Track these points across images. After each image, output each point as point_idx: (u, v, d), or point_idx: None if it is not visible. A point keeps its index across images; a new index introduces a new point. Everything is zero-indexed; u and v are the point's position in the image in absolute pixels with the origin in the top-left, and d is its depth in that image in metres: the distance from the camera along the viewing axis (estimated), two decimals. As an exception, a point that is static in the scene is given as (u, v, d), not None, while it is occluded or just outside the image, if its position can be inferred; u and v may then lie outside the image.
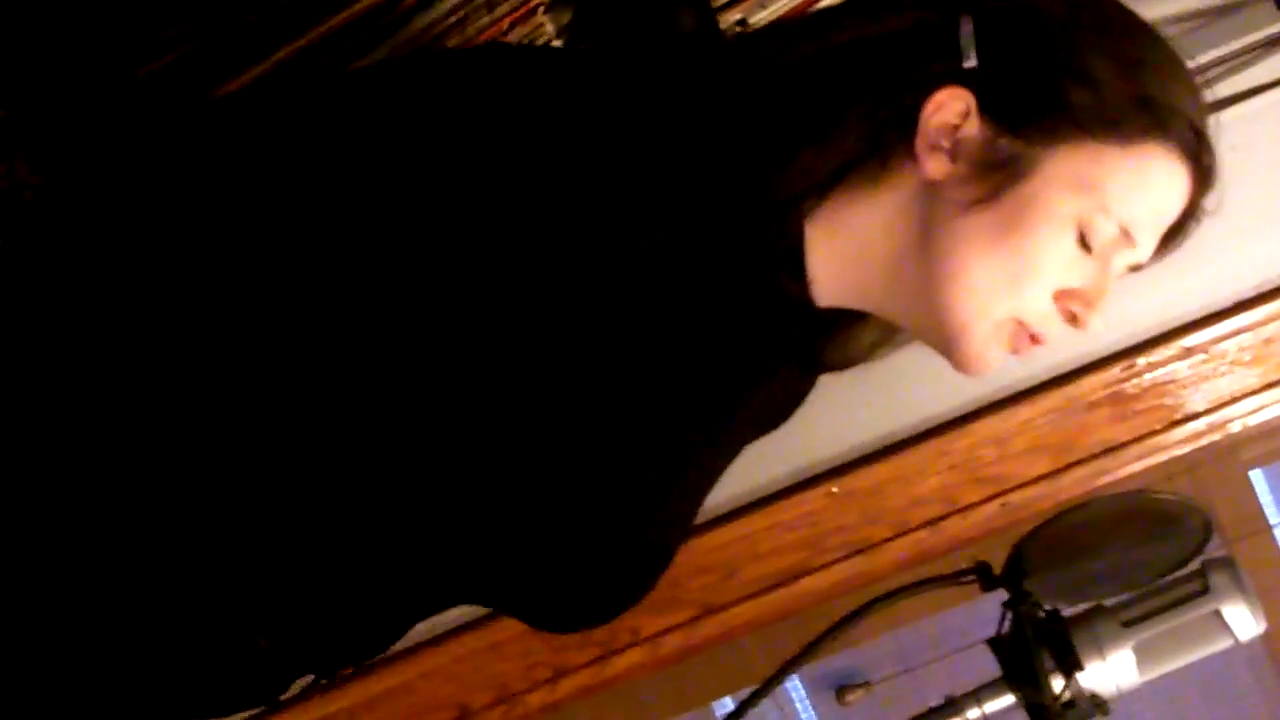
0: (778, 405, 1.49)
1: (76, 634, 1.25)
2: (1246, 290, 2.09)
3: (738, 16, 1.88)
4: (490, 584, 1.33)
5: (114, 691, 1.29)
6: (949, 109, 1.23)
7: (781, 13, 1.88)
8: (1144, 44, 1.26)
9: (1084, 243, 1.24)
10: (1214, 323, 2.09)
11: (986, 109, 1.23)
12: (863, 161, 1.25)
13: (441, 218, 1.19)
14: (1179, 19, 2.06)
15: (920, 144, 1.23)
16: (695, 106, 1.26)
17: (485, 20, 1.88)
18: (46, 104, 1.96)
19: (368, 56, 1.87)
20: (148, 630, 1.26)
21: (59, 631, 1.25)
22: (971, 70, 1.23)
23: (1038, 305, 1.25)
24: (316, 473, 1.21)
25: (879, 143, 1.24)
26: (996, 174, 1.23)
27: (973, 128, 1.23)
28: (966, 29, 1.23)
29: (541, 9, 1.88)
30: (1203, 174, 1.26)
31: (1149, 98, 1.22)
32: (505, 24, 1.88)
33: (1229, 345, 2.11)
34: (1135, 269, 1.30)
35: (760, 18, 1.87)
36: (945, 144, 1.23)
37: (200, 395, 1.20)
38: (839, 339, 1.40)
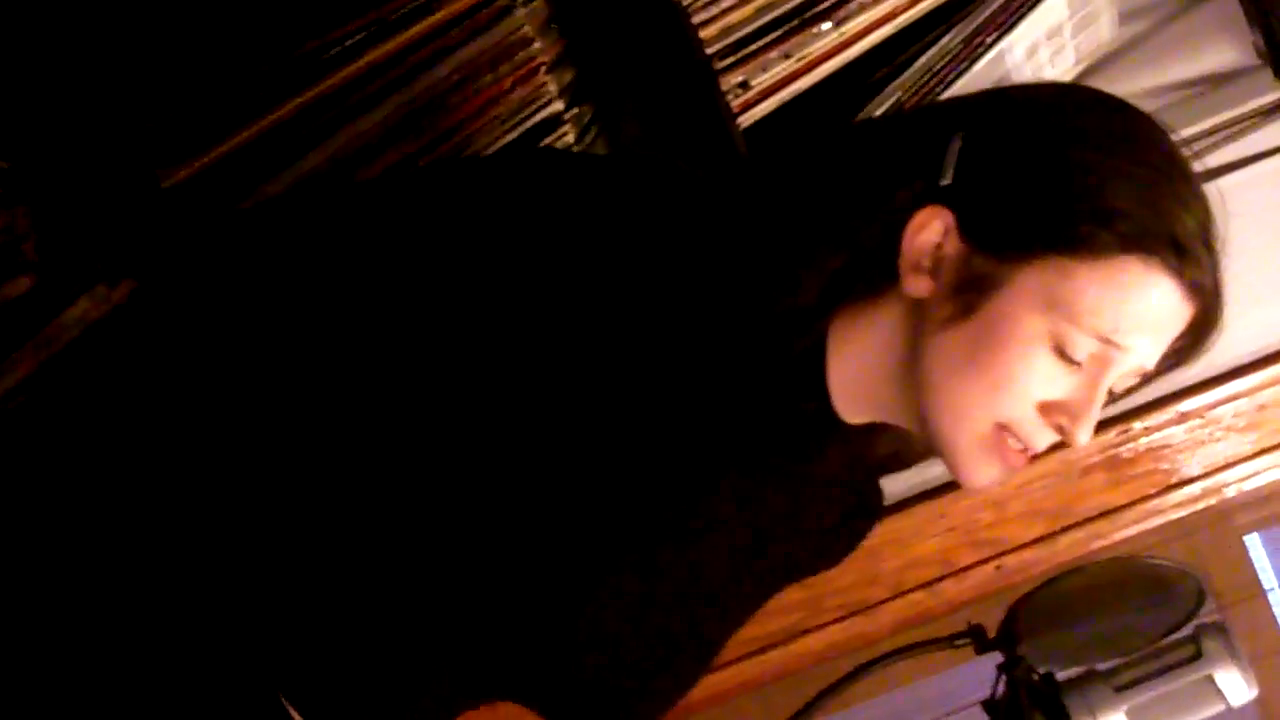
0: (838, 524, 1.51)
1: (113, 702, 1.27)
2: (1242, 356, 2.09)
3: (740, 78, 1.89)
4: (509, 682, 1.36)
5: None
6: (930, 228, 1.23)
7: (781, 76, 1.89)
8: (1135, 162, 1.22)
9: (1063, 356, 1.22)
10: (1210, 388, 2.09)
11: (965, 227, 1.23)
12: (854, 281, 1.26)
13: (467, 323, 1.23)
14: (1177, 87, 2.07)
15: (903, 264, 1.24)
16: (705, 229, 1.29)
17: (488, 79, 1.89)
18: (50, 157, 1.98)
19: (371, 114, 1.88)
20: (184, 705, 1.27)
21: (97, 704, 1.27)
22: (951, 188, 1.23)
23: (1019, 416, 1.25)
24: (352, 562, 1.24)
25: (866, 264, 1.25)
26: (970, 292, 1.23)
27: (953, 246, 1.23)
28: (954, 147, 1.23)
29: (544, 69, 1.90)
30: (1191, 287, 1.23)
31: (1123, 216, 1.20)
32: (507, 83, 1.89)
33: (1224, 411, 2.11)
34: (1145, 375, 1.29)
35: (761, 80, 1.89)
36: (926, 263, 1.24)
37: (243, 487, 1.24)
38: (888, 442, 1.41)
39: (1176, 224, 1.21)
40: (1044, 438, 1.27)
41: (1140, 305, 1.22)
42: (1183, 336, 1.27)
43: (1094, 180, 1.21)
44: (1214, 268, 1.25)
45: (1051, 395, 1.24)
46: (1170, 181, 1.23)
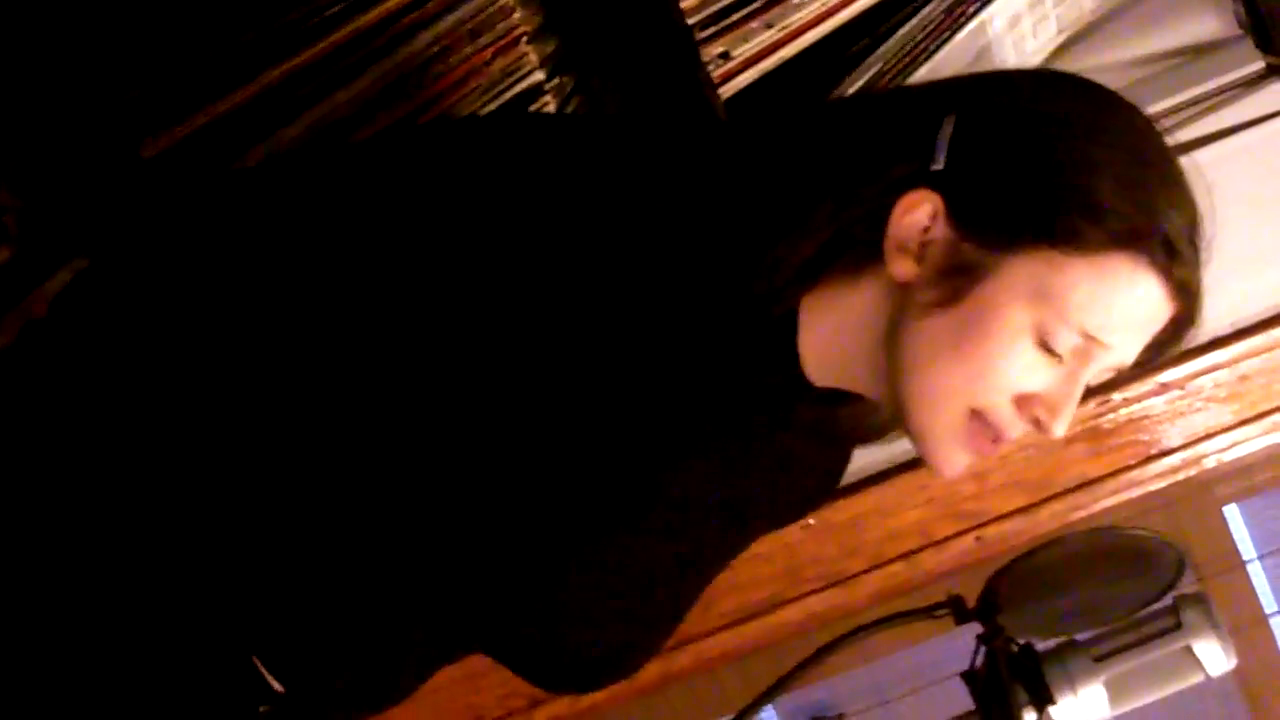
0: (807, 484, 1.51)
1: (91, 676, 1.27)
2: (1222, 327, 2.10)
3: (721, 49, 1.88)
4: (482, 641, 1.36)
5: None
6: (919, 211, 1.22)
7: (763, 47, 1.88)
8: (1131, 159, 1.22)
9: (1046, 348, 1.22)
10: (1190, 359, 2.09)
11: (955, 213, 1.22)
12: (837, 257, 1.25)
13: (449, 285, 1.22)
14: (1158, 58, 2.07)
15: (889, 245, 1.23)
16: (688, 193, 1.28)
17: (469, 50, 1.88)
18: (29, 127, 1.97)
19: (352, 85, 1.88)
20: (162, 676, 1.28)
21: (75, 674, 1.27)
22: (942, 173, 1.22)
23: (994, 405, 1.25)
24: (324, 521, 1.24)
25: (849, 240, 1.24)
26: (956, 278, 1.22)
27: (941, 231, 1.23)
28: (946, 130, 1.23)
29: (524, 39, 1.89)
30: (1177, 286, 1.23)
31: (1116, 212, 1.20)
32: (489, 54, 1.89)
33: (1204, 381, 2.12)
34: (1121, 370, 1.29)
35: (743, 50, 1.88)
36: (913, 246, 1.23)
37: (217, 449, 1.24)
38: (859, 411, 1.39)
39: (1168, 223, 1.21)
40: (1018, 428, 1.27)
41: (1126, 303, 1.22)
42: (1161, 332, 1.27)
43: (1089, 174, 1.20)
44: (1198, 266, 1.25)
45: (1029, 387, 1.25)
46: (1163, 180, 1.24)
